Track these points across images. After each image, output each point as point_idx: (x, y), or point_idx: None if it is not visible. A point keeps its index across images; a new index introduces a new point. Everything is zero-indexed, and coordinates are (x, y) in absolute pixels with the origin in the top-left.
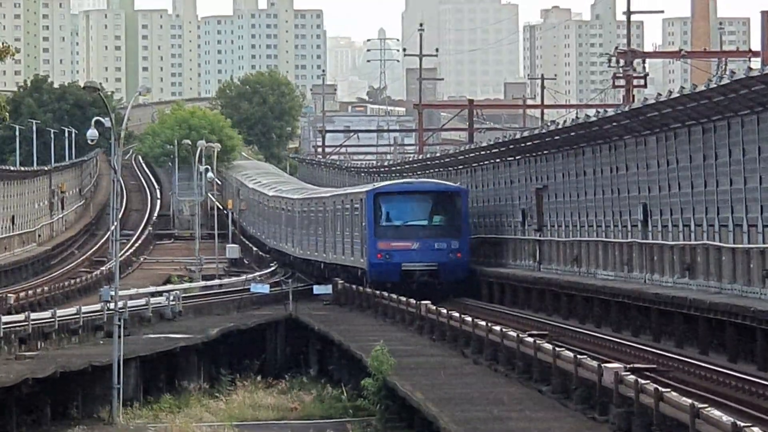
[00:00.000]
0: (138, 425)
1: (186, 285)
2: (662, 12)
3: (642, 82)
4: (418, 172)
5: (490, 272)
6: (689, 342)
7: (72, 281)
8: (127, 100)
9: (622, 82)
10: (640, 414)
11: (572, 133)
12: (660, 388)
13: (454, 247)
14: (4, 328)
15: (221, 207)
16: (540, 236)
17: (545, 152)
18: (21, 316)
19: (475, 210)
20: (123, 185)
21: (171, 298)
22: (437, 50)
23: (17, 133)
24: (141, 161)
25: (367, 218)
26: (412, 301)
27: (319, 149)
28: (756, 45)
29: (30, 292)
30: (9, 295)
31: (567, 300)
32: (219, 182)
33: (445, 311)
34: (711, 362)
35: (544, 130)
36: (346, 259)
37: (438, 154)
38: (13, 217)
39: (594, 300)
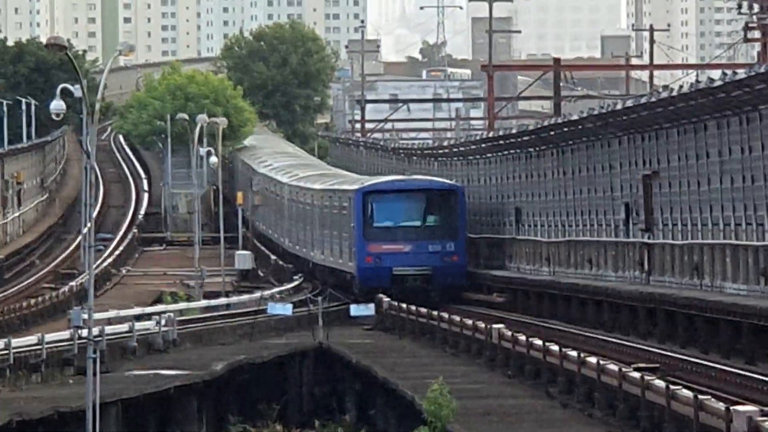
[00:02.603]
0: None
1: (183, 305)
2: None
3: None
4: (488, 154)
5: (586, 287)
6: None
7: (32, 301)
8: (103, 62)
9: (756, 34)
10: None
11: (691, 102)
12: None
13: (450, 250)
14: None
15: (228, 200)
16: (649, 238)
17: (655, 128)
18: None
19: (563, 203)
20: (99, 174)
21: (163, 322)
22: None
23: None
24: (122, 142)
25: (355, 219)
26: (481, 324)
27: (357, 125)
28: None
29: None
30: None
31: (685, 323)
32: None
33: (524, 338)
34: None
35: (653, 99)
36: (334, 261)
37: (514, 131)
38: None
39: (720, 322)
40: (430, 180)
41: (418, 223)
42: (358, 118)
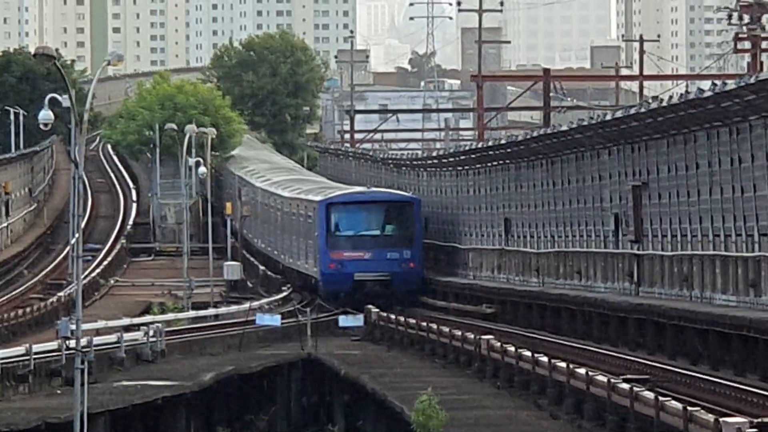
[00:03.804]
0: None
1: (171, 316)
2: None
3: None
4: (477, 165)
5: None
6: None
7: (20, 311)
8: (92, 72)
9: (747, 45)
10: None
11: (681, 113)
12: None
13: (407, 257)
14: None
15: (217, 210)
16: (638, 249)
17: (645, 138)
18: None
19: (552, 214)
20: (87, 184)
21: (151, 333)
22: (502, 3)
23: None
24: (111, 152)
25: (319, 228)
26: (470, 336)
27: (347, 135)
28: None
29: None
30: None
31: (674, 334)
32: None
33: (513, 349)
34: None
35: (643, 110)
36: (300, 266)
37: (503, 142)
38: None
39: (710, 333)
40: (389, 192)
41: (377, 232)
42: (347, 128)
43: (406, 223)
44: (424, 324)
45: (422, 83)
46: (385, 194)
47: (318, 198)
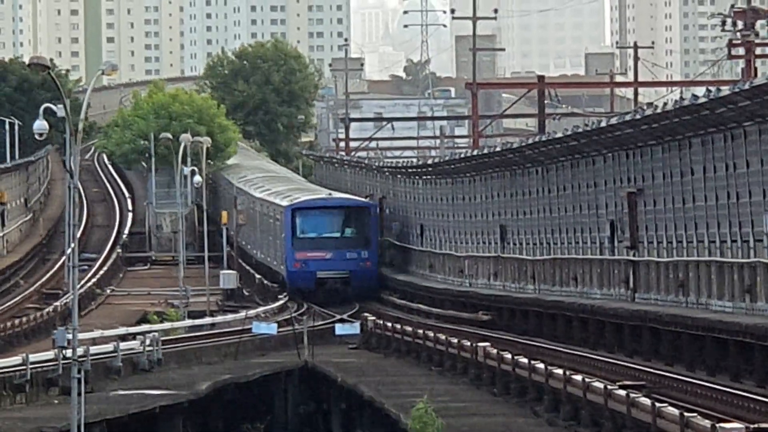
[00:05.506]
0: None
1: (167, 325)
2: None
3: (767, 50)
4: (473, 173)
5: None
6: None
7: (16, 321)
8: (87, 82)
9: (741, 51)
10: None
11: (675, 120)
12: None
13: (364, 257)
14: None
15: (212, 219)
16: (634, 256)
17: (640, 145)
18: None
19: (548, 221)
20: (83, 193)
21: (147, 342)
22: (496, 11)
23: None
24: (106, 162)
25: (285, 230)
26: (467, 343)
27: (342, 144)
28: None
29: None
30: None
31: (670, 340)
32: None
33: (509, 356)
34: None
35: (638, 116)
36: (271, 262)
37: (498, 149)
38: None
39: (706, 339)
40: (348, 198)
41: (337, 234)
42: (342, 136)
43: (363, 225)
44: (421, 331)
45: (426, 93)
46: (344, 200)
47: (285, 203)
